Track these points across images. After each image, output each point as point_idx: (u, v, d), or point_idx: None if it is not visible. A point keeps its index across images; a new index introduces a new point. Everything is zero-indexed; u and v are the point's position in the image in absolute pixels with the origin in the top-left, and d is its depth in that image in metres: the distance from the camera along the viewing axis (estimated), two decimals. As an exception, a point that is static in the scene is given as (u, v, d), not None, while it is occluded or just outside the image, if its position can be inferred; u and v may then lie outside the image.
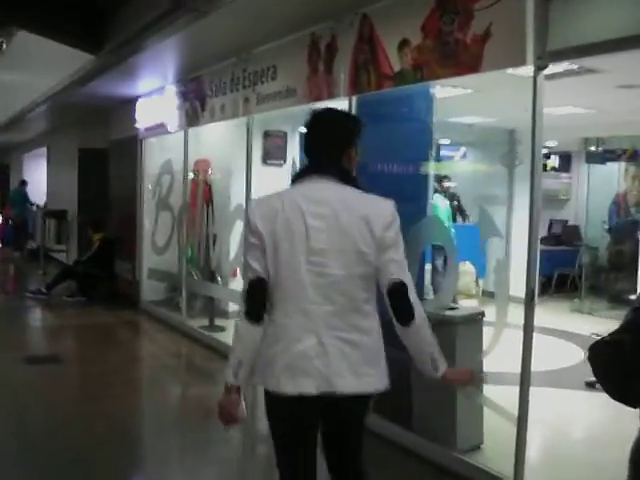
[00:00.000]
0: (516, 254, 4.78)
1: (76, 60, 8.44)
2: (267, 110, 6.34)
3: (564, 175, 13.05)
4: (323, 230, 2.44)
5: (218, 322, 8.28)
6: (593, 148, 11.11)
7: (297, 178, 2.63)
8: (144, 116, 9.40)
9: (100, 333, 8.35)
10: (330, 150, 2.56)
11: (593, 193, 11.46)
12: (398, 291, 2.42)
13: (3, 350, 7.20)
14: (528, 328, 3.90)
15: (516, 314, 4.10)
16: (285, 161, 9.35)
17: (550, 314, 8.67)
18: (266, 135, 9.21)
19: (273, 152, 9.25)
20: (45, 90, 10.38)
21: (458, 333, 4.54)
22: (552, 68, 5.40)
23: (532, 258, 3.92)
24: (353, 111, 5.24)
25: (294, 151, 9.53)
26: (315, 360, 2.39)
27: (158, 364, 7.17)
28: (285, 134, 9.36)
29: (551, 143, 11.22)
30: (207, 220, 8.84)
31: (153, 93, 9.03)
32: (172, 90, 8.40)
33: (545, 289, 10.72)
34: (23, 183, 17.02)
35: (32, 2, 5.95)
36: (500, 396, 4.23)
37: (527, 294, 3.91)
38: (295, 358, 2.41)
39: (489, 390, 4.40)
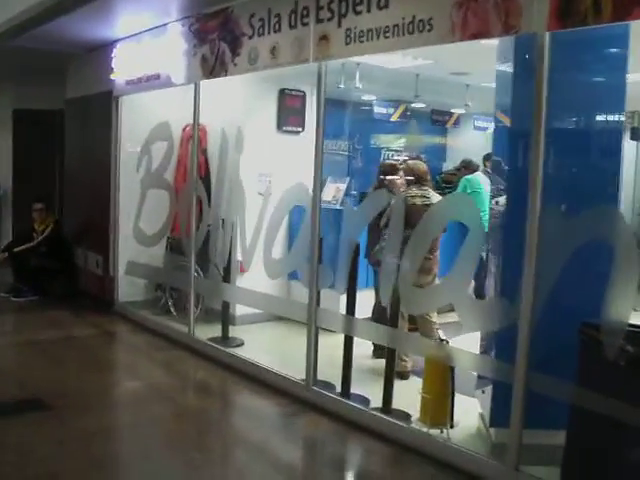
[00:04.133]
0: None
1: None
2: (366, 53, 4.52)
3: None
4: None
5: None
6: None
7: None
8: (125, 66, 7.23)
9: (81, 353, 6.24)
10: None
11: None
12: None
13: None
14: None
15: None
16: (303, 128, 7.53)
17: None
18: (282, 95, 7.36)
19: (290, 116, 7.42)
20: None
21: None
22: None
23: None
24: (545, 53, 3.57)
25: (312, 116, 7.72)
26: None
27: (182, 403, 5.21)
28: (304, 94, 7.52)
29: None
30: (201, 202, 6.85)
31: (142, 35, 6.90)
32: (177, 29, 6.34)
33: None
34: None
35: None
36: None
37: None
38: None
39: None
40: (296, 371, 5.29)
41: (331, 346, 5.22)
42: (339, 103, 8.32)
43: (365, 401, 4.97)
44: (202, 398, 5.40)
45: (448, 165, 9.85)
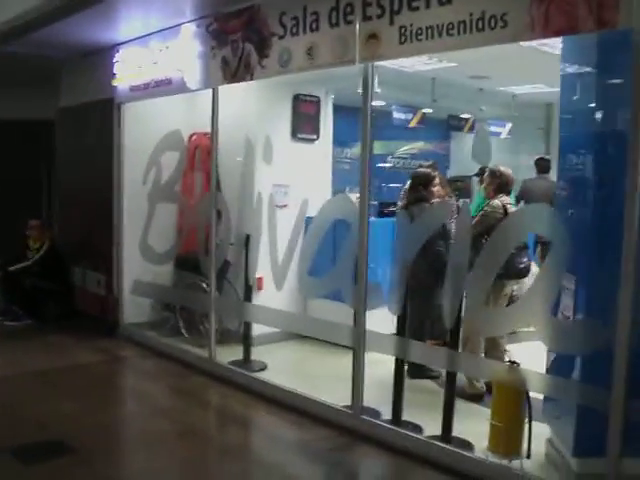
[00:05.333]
0: None
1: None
2: (425, 52, 4.22)
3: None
4: None
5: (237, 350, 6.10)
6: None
7: None
8: (129, 71, 6.74)
9: (93, 383, 5.72)
10: None
11: None
12: None
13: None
14: None
15: None
16: (318, 136, 7.15)
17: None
18: (296, 100, 6.97)
19: (304, 124, 7.03)
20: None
21: None
22: None
23: None
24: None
25: (327, 124, 7.35)
26: None
27: (217, 440, 4.75)
28: (319, 100, 7.14)
29: None
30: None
31: (149, 37, 6.43)
32: (191, 30, 5.90)
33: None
34: None
35: None
36: None
37: None
38: None
39: None
40: (331, 397, 4.94)
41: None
42: (348, 109, 7.99)
43: (417, 429, 4.60)
44: (239, 433, 4.93)
45: (452, 172, 9.56)
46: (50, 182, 9.12)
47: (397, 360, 4.72)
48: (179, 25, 5.99)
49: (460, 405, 4.88)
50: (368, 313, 4.59)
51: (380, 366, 4.92)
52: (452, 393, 4.47)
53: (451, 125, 8.13)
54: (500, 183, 5.18)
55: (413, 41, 4.12)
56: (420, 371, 5.69)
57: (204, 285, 6.46)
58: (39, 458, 4.12)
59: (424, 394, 5.41)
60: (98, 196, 7.30)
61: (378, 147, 9.16)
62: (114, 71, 6.86)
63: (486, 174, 5.34)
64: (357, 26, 4.44)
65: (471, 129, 8.32)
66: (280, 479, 4.15)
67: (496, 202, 5.13)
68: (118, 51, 6.81)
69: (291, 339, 6.73)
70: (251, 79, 5.33)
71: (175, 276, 7.02)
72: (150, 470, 4.07)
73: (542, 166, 7.60)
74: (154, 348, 6.63)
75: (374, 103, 8.18)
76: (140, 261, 6.86)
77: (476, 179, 7.80)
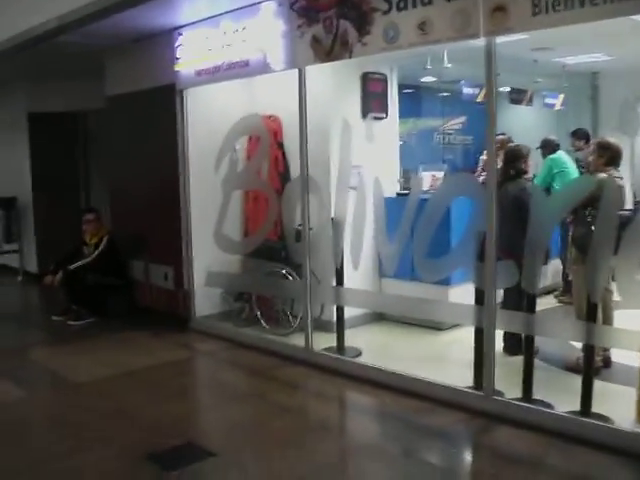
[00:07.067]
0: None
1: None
2: (563, 24, 3.98)
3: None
4: None
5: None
6: None
7: None
8: (194, 54, 6.48)
9: (192, 380, 5.59)
10: None
11: None
12: None
13: (95, 443, 4.19)
14: None
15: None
16: (387, 114, 6.98)
17: None
18: (364, 79, 6.80)
19: (373, 102, 6.86)
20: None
21: None
22: None
23: None
24: None
25: (394, 101, 7.18)
26: None
27: (358, 433, 4.58)
28: (386, 78, 6.98)
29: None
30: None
31: (219, 18, 6.17)
32: (271, 9, 5.68)
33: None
34: None
35: None
36: None
37: None
38: None
39: None
40: (441, 378, 4.90)
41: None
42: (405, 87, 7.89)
43: (549, 406, 4.52)
44: (372, 425, 4.77)
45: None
46: (88, 174, 8.84)
47: (527, 337, 4.64)
48: (257, 4, 5.75)
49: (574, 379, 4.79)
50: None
51: (461, 345, 4.85)
52: (590, 367, 4.38)
53: (512, 98, 8.03)
54: (611, 156, 5.02)
55: (549, 12, 3.99)
56: (518, 347, 5.61)
57: (284, 272, 6.31)
58: (179, 463, 3.90)
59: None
60: (160, 186, 7.05)
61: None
62: (176, 55, 6.59)
63: (592, 147, 5.22)
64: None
65: (530, 101, 8.23)
66: (438, 470, 4.03)
67: (601, 176, 4.99)
68: (181, 34, 6.54)
69: (370, 322, 6.64)
70: (350, 57, 5.14)
71: (246, 265, 6.84)
72: (306, 470, 3.87)
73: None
74: (234, 340, 6.45)
75: (425, 80, 8.19)
76: (208, 252, 6.66)
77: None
